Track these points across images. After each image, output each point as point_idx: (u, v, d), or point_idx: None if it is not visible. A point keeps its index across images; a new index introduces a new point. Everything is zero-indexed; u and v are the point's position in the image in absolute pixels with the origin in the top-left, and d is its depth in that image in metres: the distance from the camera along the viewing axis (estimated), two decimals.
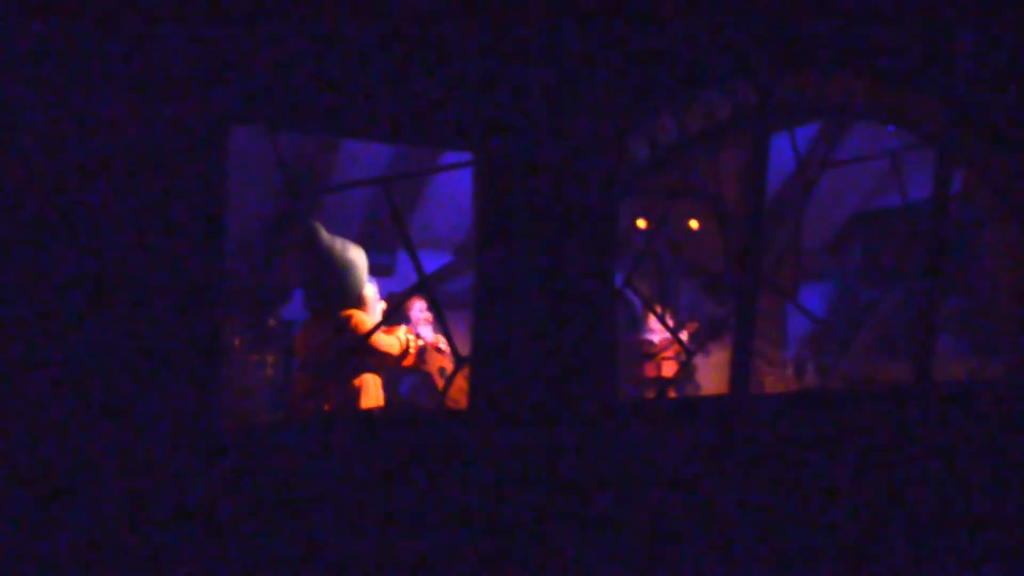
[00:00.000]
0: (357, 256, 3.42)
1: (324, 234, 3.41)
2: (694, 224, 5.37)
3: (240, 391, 4.43)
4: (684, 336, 5.25)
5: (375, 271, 4.32)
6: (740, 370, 3.04)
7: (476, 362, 2.85)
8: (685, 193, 3.46)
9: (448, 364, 4.77)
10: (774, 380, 5.14)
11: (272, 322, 4.58)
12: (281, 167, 2.61)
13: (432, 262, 5.97)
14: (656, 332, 5.59)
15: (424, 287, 2.87)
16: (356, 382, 3.32)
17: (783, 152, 3.43)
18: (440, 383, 4.69)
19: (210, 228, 2.43)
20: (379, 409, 3.36)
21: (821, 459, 3.13)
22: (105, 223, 2.26)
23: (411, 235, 6.13)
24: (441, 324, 2.93)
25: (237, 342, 4.50)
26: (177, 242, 2.38)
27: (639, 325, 5.64)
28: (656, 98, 3.01)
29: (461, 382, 3.45)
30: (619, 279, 2.99)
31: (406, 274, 3.68)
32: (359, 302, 3.41)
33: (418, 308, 5.32)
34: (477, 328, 2.84)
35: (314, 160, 5.25)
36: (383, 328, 3.64)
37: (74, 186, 2.22)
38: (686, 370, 5.43)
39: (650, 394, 5.36)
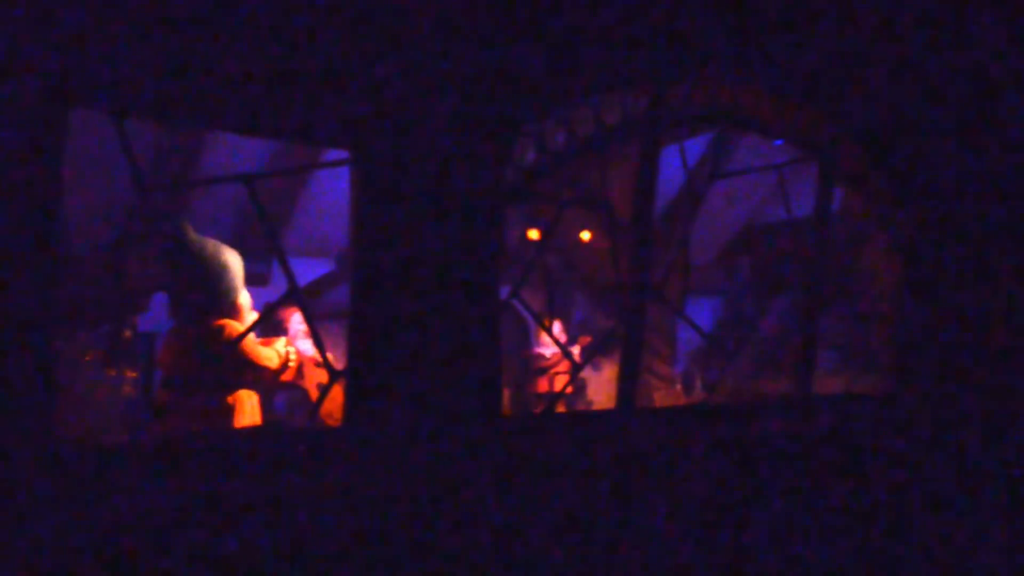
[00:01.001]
0: (231, 260, 3.15)
1: (193, 235, 3.13)
2: (586, 235, 5.33)
3: (93, 409, 4.02)
4: (576, 350, 5.19)
5: (249, 280, 4.04)
6: (627, 384, 2.95)
7: (352, 376, 2.64)
8: (576, 203, 3.37)
9: (327, 380, 4.52)
10: (664, 395, 5.15)
11: (127, 334, 4.18)
12: (128, 157, 2.33)
13: (314, 270, 5.70)
14: (548, 346, 5.51)
15: (297, 295, 2.64)
16: (230, 399, 3.04)
17: (677, 163, 3.41)
18: (315, 399, 4.44)
19: (40, 226, 2.14)
20: (252, 428, 3.09)
21: (704, 473, 3.09)
22: None
23: (291, 242, 5.85)
24: (315, 336, 2.70)
25: (88, 356, 4.08)
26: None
27: (531, 339, 5.56)
28: (543, 102, 2.91)
29: (338, 398, 3.24)
30: (507, 291, 2.86)
31: (281, 284, 3.43)
32: (233, 311, 3.14)
33: (296, 320, 5.04)
34: (353, 340, 2.64)
35: (183, 156, 4.88)
36: (260, 340, 3.38)
37: None
38: (577, 385, 5.37)
39: (538, 408, 5.27)
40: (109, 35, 2.20)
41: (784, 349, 5.17)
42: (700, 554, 3.00)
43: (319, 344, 2.72)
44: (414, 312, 2.64)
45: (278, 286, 5.20)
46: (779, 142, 3.37)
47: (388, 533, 2.57)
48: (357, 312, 2.62)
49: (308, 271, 5.66)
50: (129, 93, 2.26)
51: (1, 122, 2.06)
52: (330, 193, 5.47)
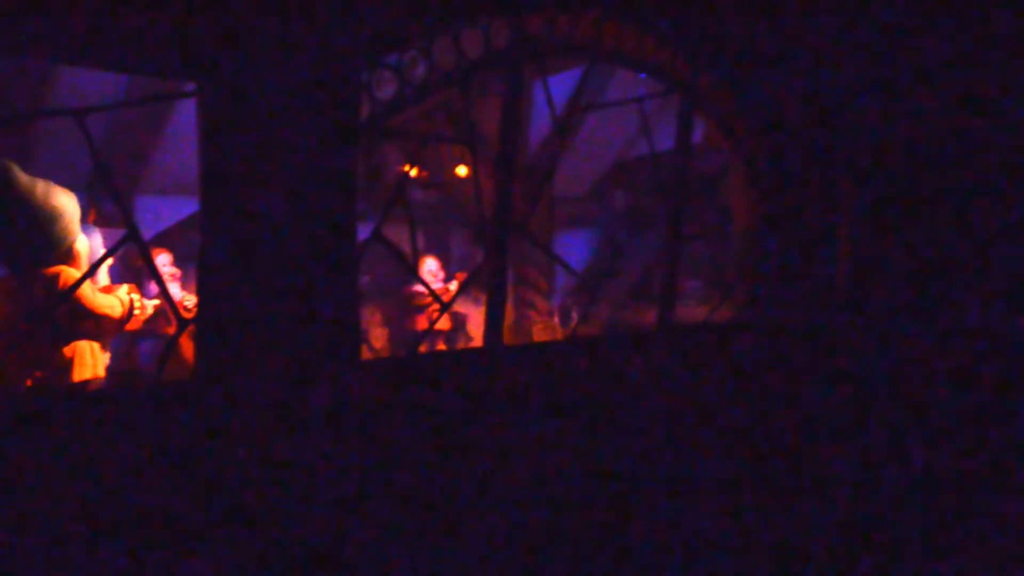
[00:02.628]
0: (66, 202, 2.91)
1: (21, 175, 2.86)
2: (463, 171, 5.26)
3: None
4: (454, 287, 5.17)
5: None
6: (493, 321, 2.96)
7: (202, 324, 2.52)
8: (438, 139, 3.30)
9: (173, 335, 4.36)
10: (542, 329, 5.22)
11: None
12: None
13: (183, 210, 5.39)
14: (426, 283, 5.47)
15: (136, 236, 2.48)
16: (67, 351, 2.85)
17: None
18: (187, 348, 4.25)
19: None
20: (92, 382, 2.92)
21: (571, 406, 3.16)
22: None
23: (150, 178, 5.51)
24: (157, 280, 2.55)
25: None
26: None
27: (409, 277, 5.49)
28: (404, 33, 2.80)
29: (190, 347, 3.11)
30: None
31: (145, 224, 3.23)
32: (68, 256, 2.92)
33: (161, 262, 4.78)
34: (203, 285, 2.51)
35: (26, 91, 4.49)
36: (102, 287, 3.17)
37: None
38: (458, 321, 5.37)
39: (423, 348, 5.25)
40: None
41: (653, 281, 5.33)
42: (567, 482, 3.10)
43: (162, 287, 2.57)
44: (267, 253, 2.53)
45: (143, 228, 4.92)
46: (643, 75, 3.37)
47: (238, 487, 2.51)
48: (208, 254, 2.49)
49: (176, 211, 5.37)
50: None
51: None
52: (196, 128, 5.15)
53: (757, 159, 3.53)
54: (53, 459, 2.24)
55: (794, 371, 3.70)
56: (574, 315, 5.77)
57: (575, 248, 5.77)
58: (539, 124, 4.73)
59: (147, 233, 4.91)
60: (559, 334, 5.28)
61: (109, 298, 2.99)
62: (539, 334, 5.10)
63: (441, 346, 5.33)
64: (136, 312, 3.08)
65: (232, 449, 2.50)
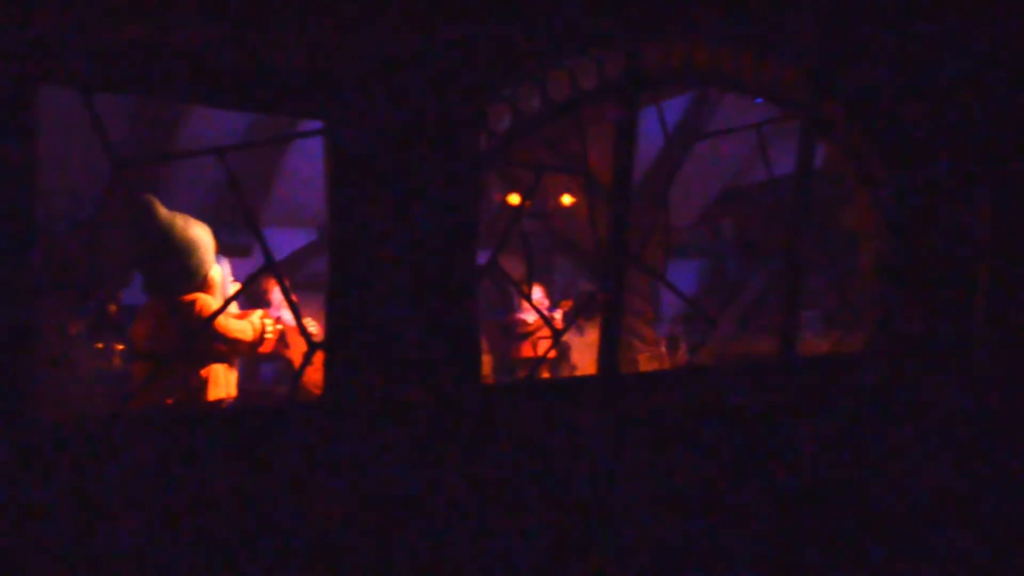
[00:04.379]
0: (201, 234, 3.11)
1: (162, 210, 3.07)
2: (567, 200, 5.28)
3: (81, 380, 4.01)
4: (559, 315, 5.18)
5: (232, 251, 3.99)
6: (608, 349, 2.95)
7: (331, 348, 2.62)
8: (554, 169, 3.32)
9: (290, 356, 4.53)
10: (648, 358, 5.16)
11: (113, 307, 4.15)
12: (100, 133, 2.28)
13: (295, 241, 5.64)
14: (530, 312, 5.50)
15: (273, 267, 2.61)
16: (203, 372, 3.02)
17: (657, 125, 3.35)
18: (287, 374, 4.43)
19: (16, 203, 2.10)
20: (229, 401, 3.08)
21: (690, 435, 3.10)
22: None
23: (272, 212, 5.80)
24: (291, 306, 2.68)
25: (73, 330, 4.06)
26: None
27: (513, 305, 5.53)
28: (518, 66, 2.86)
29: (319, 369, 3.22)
30: (487, 257, 2.84)
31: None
32: (204, 284, 3.10)
33: (279, 290, 5.01)
34: (331, 311, 2.61)
35: (160, 130, 4.81)
36: (237, 313, 3.35)
37: None
38: (560, 349, 5.37)
39: (523, 374, 5.27)
40: (77, 10, 2.15)
41: (768, 310, 5.17)
42: (682, 520, 3.03)
43: (296, 314, 2.69)
44: (392, 281, 2.62)
45: (260, 256, 5.17)
46: (759, 100, 3.32)
47: (368, 502, 2.57)
48: (335, 282, 2.59)
49: (290, 241, 5.62)
50: (99, 69, 2.21)
51: None
52: (310, 163, 5.40)
53: (883, 185, 3.40)
54: (190, 471, 2.36)
55: (921, 405, 3.52)
56: (682, 344, 5.68)
57: (684, 277, 5.68)
58: (646, 152, 4.72)
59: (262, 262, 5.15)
60: (667, 363, 5.20)
61: (243, 323, 3.15)
62: (645, 363, 5.04)
63: (545, 374, 5.34)
64: (267, 336, 3.23)
65: (358, 465, 2.58)
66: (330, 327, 2.62)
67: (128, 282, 4.12)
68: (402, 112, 2.64)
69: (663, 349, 5.38)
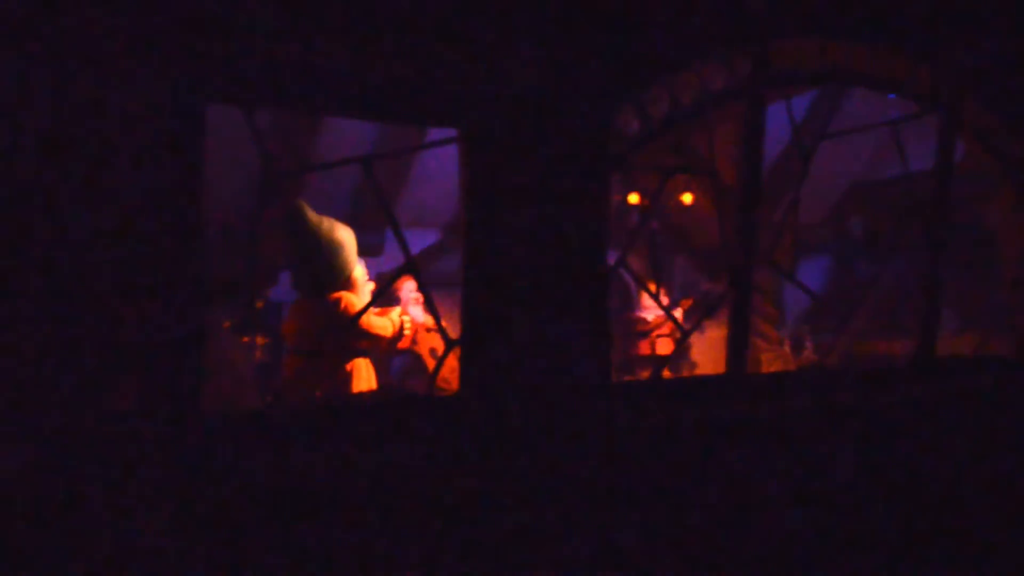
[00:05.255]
0: (345, 236, 3.33)
1: (311, 214, 3.31)
2: (688, 198, 5.27)
3: (231, 376, 4.34)
4: (679, 314, 5.18)
5: (363, 251, 4.22)
6: (737, 349, 2.96)
7: (466, 344, 2.76)
8: (683, 170, 3.34)
9: (439, 345, 4.70)
10: (771, 358, 5.08)
11: (260, 304, 4.48)
12: (260, 146, 2.49)
13: (421, 241, 5.86)
14: (649, 310, 5.51)
15: (413, 266, 2.77)
16: (348, 366, 3.24)
17: (780, 123, 3.33)
18: (431, 364, 4.61)
19: (187, 216, 2.33)
20: (371, 393, 3.28)
21: (820, 439, 3.06)
22: (75, 210, 2.15)
23: (398, 214, 6.04)
24: (430, 305, 2.83)
25: (226, 325, 4.41)
26: (152, 224, 2.28)
27: (632, 303, 5.56)
28: (647, 69, 2.91)
29: (452, 364, 3.37)
30: (611, 256, 2.90)
31: (394, 253, 3.60)
32: (348, 283, 3.32)
33: (408, 288, 5.24)
34: (467, 309, 2.75)
35: (296, 138, 5.12)
36: (377, 311, 3.56)
37: (39, 170, 2.11)
38: (681, 348, 5.36)
39: (644, 373, 5.30)
40: (237, 32, 2.35)
41: (900, 309, 4.98)
42: (813, 529, 3.00)
43: (434, 313, 2.85)
44: (526, 280, 2.73)
45: (390, 256, 5.45)
46: (891, 96, 3.24)
47: (501, 498, 2.69)
48: (470, 281, 2.73)
49: (417, 241, 5.85)
50: (261, 87, 2.42)
51: (148, 120, 2.24)
52: (435, 167, 5.62)
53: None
54: (340, 461, 2.54)
55: None
56: (808, 344, 5.55)
57: (810, 276, 5.54)
58: (770, 149, 4.63)
59: (392, 262, 5.42)
60: (791, 364, 5.10)
61: (383, 320, 3.36)
62: (768, 364, 4.97)
63: (665, 373, 5.34)
64: (405, 332, 3.43)
65: (489, 459, 2.70)
66: (466, 324, 2.76)
67: (275, 280, 4.43)
68: (533, 118, 2.74)
69: (787, 349, 5.29)
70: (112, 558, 2.17)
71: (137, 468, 2.22)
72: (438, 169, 5.62)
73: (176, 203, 2.31)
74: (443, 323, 3.09)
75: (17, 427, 2.10)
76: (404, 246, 2.82)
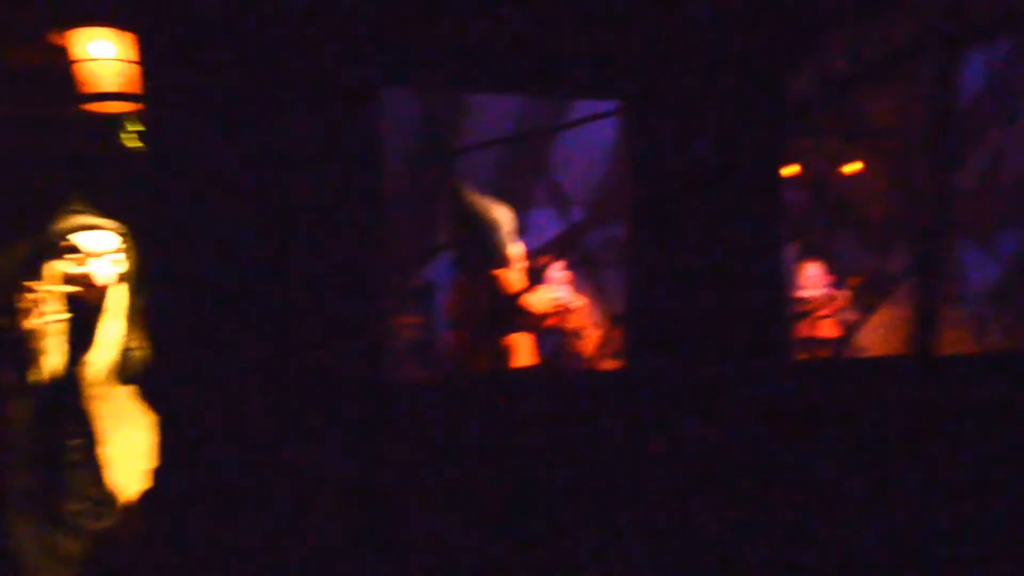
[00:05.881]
0: (503, 215, 3.36)
1: (470, 193, 3.36)
2: (853, 167, 4.93)
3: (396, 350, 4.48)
4: (845, 292, 4.87)
5: None
6: (925, 328, 2.73)
7: (630, 322, 2.70)
8: (865, 134, 3.10)
9: (583, 324, 4.67)
10: (950, 339, 4.68)
11: (415, 283, 4.60)
12: (432, 127, 2.53)
13: (561, 221, 5.85)
14: (809, 288, 5.22)
15: (579, 245, 2.74)
16: (507, 342, 3.26)
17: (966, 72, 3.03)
18: (577, 343, 4.60)
19: (367, 201, 2.40)
20: (534, 368, 3.30)
21: (1013, 428, 2.78)
22: (279, 200, 2.28)
23: (539, 193, 6.05)
24: (594, 284, 2.78)
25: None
26: (342, 206, 2.37)
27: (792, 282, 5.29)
28: (822, 24, 2.71)
29: (598, 342, 3.34)
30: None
31: (537, 233, 3.59)
32: (505, 261, 3.34)
33: (555, 268, 5.23)
34: (631, 286, 2.68)
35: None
36: (531, 288, 3.57)
37: (235, 162, 2.23)
38: (847, 329, 5.05)
39: (802, 355, 5.04)
40: (410, 17, 2.39)
41: None
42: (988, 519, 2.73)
43: (598, 292, 2.80)
44: (694, 255, 2.63)
45: (532, 234, 5.44)
46: None
47: (666, 474, 2.62)
48: (634, 259, 2.66)
49: (555, 222, 5.84)
50: (434, 69, 2.44)
51: (329, 107, 2.32)
52: (575, 146, 5.56)
53: None
54: (507, 434, 2.55)
55: None
56: (994, 325, 5.09)
57: (1005, 247, 5.05)
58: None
59: (536, 242, 5.41)
60: (972, 346, 4.70)
61: (540, 297, 3.37)
62: (946, 345, 4.57)
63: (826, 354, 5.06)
64: (559, 310, 3.42)
65: (652, 436, 2.64)
66: (630, 302, 2.69)
67: (433, 259, 4.53)
68: (699, 84, 2.62)
69: (968, 330, 4.86)
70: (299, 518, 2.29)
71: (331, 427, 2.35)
72: (578, 148, 5.56)
73: (357, 190, 2.39)
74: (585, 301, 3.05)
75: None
76: (568, 222, 2.78)
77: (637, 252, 2.66)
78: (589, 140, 3.17)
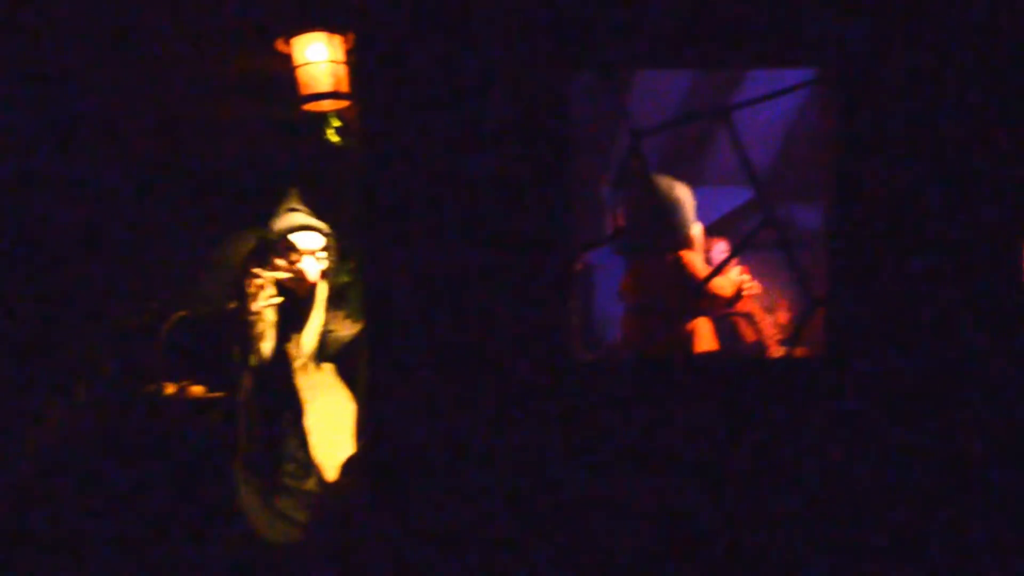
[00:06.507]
0: (683, 194, 3.29)
1: (652, 173, 3.31)
2: None
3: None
4: None
5: None
6: None
7: (831, 304, 2.59)
8: None
9: (756, 308, 4.51)
10: None
11: (580, 266, 4.57)
12: (620, 109, 2.52)
13: (733, 199, 5.64)
14: None
15: (774, 223, 2.66)
16: (688, 326, 3.20)
17: None
18: (747, 328, 4.46)
19: (558, 181, 2.43)
20: (716, 353, 3.23)
21: None
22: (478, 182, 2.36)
23: (708, 172, 5.85)
24: (793, 264, 2.67)
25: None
26: (532, 186, 2.41)
27: None
28: None
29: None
30: None
31: (705, 211, 3.51)
32: (687, 241, 3.28)
33: (719, 249, 5.07)
34: (833, 268, 2.58)
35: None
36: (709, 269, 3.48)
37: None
38: None
39: None
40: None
41: None
42: None
43: (799, 272, 2.69)
44: (904, 233, 2.49)
45: (700, 214, 5.27)
46: None
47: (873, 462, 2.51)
48: (837, 237, 2.55)
49: (725, 201, 5.65)
50: (620, 48, 2.43)
51: (523, 87, 2.36)
52: (745, 123, 5.35)
53: None
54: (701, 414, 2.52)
55: None
56: None
57: None
58: None
59: (704, 221, 5.25)
60: None
61: (723, 280, 3.28)
62: None
63: None
64: (744, 293, 3.32)
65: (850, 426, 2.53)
66: (832, 283, 2.58)
67: (604, 241, 4.49)
68: (903, 50, 2.47)
69: None
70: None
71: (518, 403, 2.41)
72: (748, 124, 5.35)
73: (549, 165, 2.42)
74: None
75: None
76: (764, 200, 2.70)
77: (838, 229, 2.55)
78: (758, 115, 3.03)
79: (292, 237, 2.99)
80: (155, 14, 2.68)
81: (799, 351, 2.86)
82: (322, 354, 3.07)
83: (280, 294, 2.93)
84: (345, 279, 3.60)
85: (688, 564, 2.45)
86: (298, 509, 2.86)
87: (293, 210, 3.04)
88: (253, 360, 2.81)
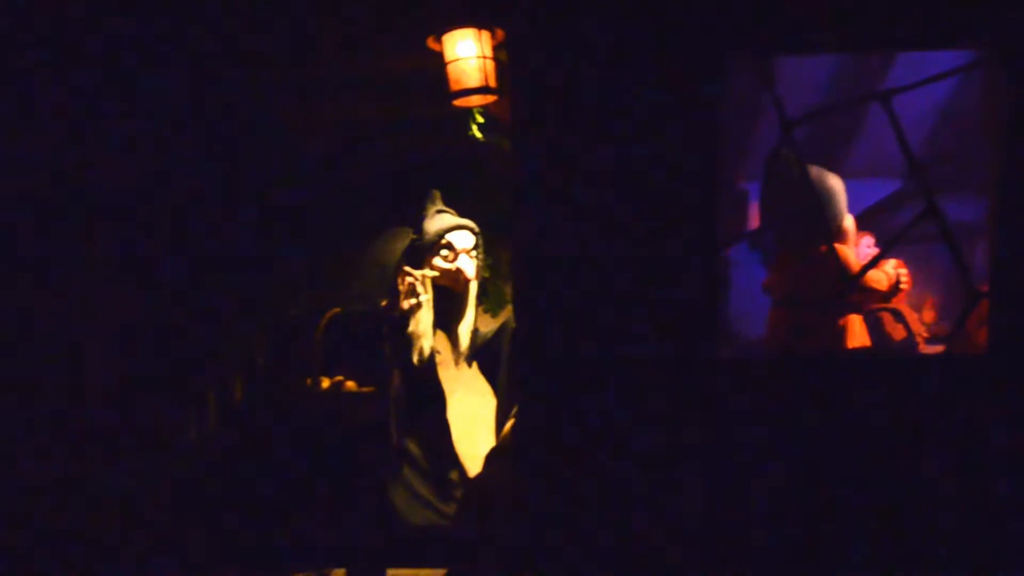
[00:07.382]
0: (835, 184, 3.18)
1: (798, 162, 3.22)
2: None
3: None
4: None
5: None
6: None
7: (995, 298, 2.45)
8: None
9: (903, 304, 4.29)
10: None
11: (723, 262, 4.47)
12: (772, 95, 2.47)
13: (877, 192, 5.39)
14: None
15: (936, 211, 2.53)
16: (841, 321, 3.10)
17: None
18: (898, 325, 4.25)
19: (705, 170, 2.42)
20: (871, 349, 3.11)
21: None
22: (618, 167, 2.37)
23: (852, 162, 5.61)
24: (956, 255, 2.54)
25: None
26: (678, 181, 2.41)
27: None
28: None
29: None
30: None
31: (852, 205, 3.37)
32: (839, 234, 3.16)
33: (865, 243, 4.85)
34: (998, 256, 2.43)
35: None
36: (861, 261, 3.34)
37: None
38: None
39: None
40: None
41: None
42: None
43: (961, 263, 2.55)
44: None
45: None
46: None
47: None
48: (1005, 222, 2.40)
49: (870, 193, 5.40)
50: (777, 33, 2.38)
51: (673, 77, 2.36)
52: (899, 109, 5.08)
53: None
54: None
55: None
56: None
57: None
58: None
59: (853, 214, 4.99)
60: None
61: (877, 272, 3.14)
62: None
63: None
64: (902, 286, 3.17)
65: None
66: (995, 276, 2.44)
67: (744, 236, 4.39)
68: None
69: None
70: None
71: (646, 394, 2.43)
72: (904, 111, 5.07)
73: (697, 160, 2.41)
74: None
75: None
76: (927, 192, 2.58)
77: (1005, 220, 2.40)
78: (910, 105, 2.89)
79: (449, 237, 3.08)
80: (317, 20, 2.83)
81: (960, 347, 2.71)
82: (469, 352, 3.15)
83: (436, 294, 3.03)
84: (485, 275, 3.70)
85: (839, 564, 2.39)
86: (442, 500, 2.97)
87: (441, 211, 3.14)
88: (415, 358, 2.92)
